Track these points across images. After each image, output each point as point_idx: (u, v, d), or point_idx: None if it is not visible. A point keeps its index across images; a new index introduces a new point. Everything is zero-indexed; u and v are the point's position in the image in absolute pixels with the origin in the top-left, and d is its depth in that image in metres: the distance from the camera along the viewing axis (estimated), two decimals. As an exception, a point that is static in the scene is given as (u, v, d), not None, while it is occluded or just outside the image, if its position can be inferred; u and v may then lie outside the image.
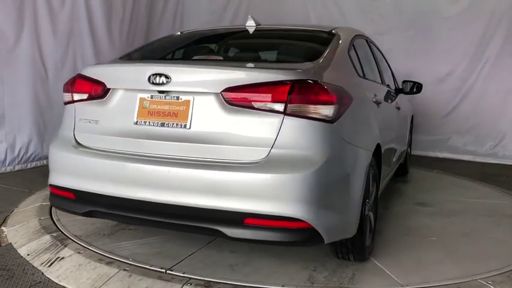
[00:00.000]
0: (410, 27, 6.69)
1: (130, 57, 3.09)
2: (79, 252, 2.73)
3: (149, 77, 2.32)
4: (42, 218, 3.30)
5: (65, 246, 2.82)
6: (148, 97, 2.39)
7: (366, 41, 3.72)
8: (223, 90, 2.21)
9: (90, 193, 2.42)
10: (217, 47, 3.38)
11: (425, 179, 5.26)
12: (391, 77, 4.41)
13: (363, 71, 3.06)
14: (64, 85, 2.72)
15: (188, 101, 2.30)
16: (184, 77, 2.33)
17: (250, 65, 2.58)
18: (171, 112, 2.33)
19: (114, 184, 2.33)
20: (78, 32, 5.44)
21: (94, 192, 2.40)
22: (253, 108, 2.18)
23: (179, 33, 3.71)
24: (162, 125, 2.34)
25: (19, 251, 2.86)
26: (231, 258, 2.70)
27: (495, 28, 6.24)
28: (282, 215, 2.09)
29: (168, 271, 2.48)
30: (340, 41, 2.85)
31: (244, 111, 2.19)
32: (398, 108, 4.00)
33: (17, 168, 4.99)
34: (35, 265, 2.67)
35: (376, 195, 2.91)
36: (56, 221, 3.25)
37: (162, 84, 2.30)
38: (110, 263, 2.60)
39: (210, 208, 2.15)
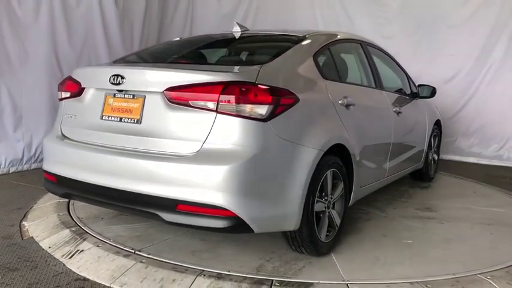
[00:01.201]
0: (416, 32, 6.80)
1: (121, 60, 3.38)
2: (98, 246, 2.88)
3: (110, 78, 2.63)
4: (60, 214, 3.46)
5: (84, 240, 2.98)
6: (112, 95, 2.71)
7: (361, 45, 3.81)
8: (165, 90, 2.46)
9: (66, 178, 2.77)
10: (193, 51, 3.55)
11: (448, 185, 5.15)
12: (406, 82, 4.44)
13: (338, 75, 3.22)
14: (58, 85, 3.10)
15: (141, 99, 2.58)
16: (136, 77, 2.62)
17: (194, 67, 2.88)
18: (127, 109, 2.63)
19: (83, 171, 2.67)
20: (92, 36, 5.61)
21: (69, 178, 2.75)
22: (190, 106, 2.40)
23: (178, 38, 4.04)
24: (121, 120, 2.64)
25: (41, 244, 3.03)
26: (198, 245, 2.96)
27: (500, 32, 6.34)
28: (209, 203, 2.30)
29: (136, 252, 2.78)
30: (306, 46, 3.06)
31: (182, 108, 2.42)
32: (399, 113, 3.91)
33: (33, 166, 5.16)
34: (56, 257, 2.83)
35: (346, 194, 3.04)
36: (73, 217, 3.41)
37: (119, 84, 2.60)
38: (127, 255, 2.75)
39: (150, 194, 2.40)
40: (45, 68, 5.14)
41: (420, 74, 6.30)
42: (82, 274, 2.62)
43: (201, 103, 2.37)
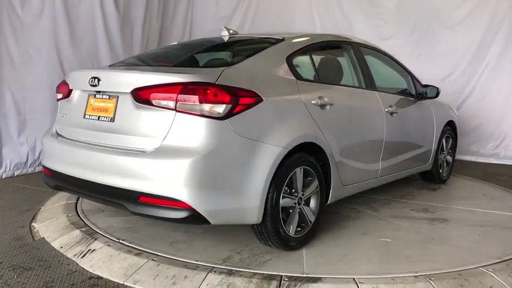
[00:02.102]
0: (413, 32, 6.90)
1: (119, 63, 3.59)
2: (109, 245, 2.95)
3: (89, 80, 2.87)
4: (69, 215, 3.53)
5: (95, 239, 3.04)
6: (93, 96, 2.93)
7: (351, 46, 3.85)
8: (132, 90, 2.66)
9: (56, 172, 3.04)
10: (178, 55, 3.68)
11: (459, 187, 5.02)
12: (410, 82, 4.43)
13: (317, 76, 3.34)
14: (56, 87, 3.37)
15: (115, 99, 2.80)
16: (109, 79, 2.86)
17: (163, 69, 3.14)
18: (104, 108, 2.85)
19: (69, 165, 2.94)
20: (95, 40, 5.68)
21: (58, 171, 3.02)
22: (153, 105, 2.59)
23: (175, 43, 4.27)
24: (99, 118, 2.87)
25: (52, 244, 3.09)
26: (178, 236, 3.14)
27: (495, 33, 6.45)
28: (165, 196, 2.48)
29: (121, 240, 3.02)
30: (280, 48, 3.18)
31: (147, 107, 2.62)
32: (393, 113, 3.88)
33: (37, 169, 5.21)
34: (68, 256, 2.90)
35: (323, 192, 3.12)
36: (82, 217, 3.48)
37: (96, 85, 2.84)
38: (138, 254, 2.82)
39: (118, 187, 2.62)
40: (48, 72, 5.19)
41: (417, 74, 6.39)
42: (95, 272, 2.69)
43: (162, 102, 2.56)
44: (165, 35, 6.89)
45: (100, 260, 2.79)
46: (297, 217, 2.95)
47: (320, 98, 3.12)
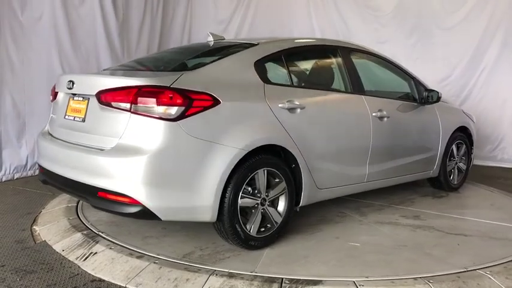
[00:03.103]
0: (410, 36, 6.95)
1: (107, 69, 3.85)
2: (110, 248, 2.97)
3: (66, 83, 3.12)
4: (70, 218, 3.55)
5: (96, 242, 3.06)
6: (72, 98, 3.15)
7: (338, 51, 3.83)
8: (97, 93, 2.84)
9: (43, 167, 3.28)
10: (160, 60, 3.79)
11: (469, 196, 4.79)
12: (413, 87, 4.35)
13: (290, 79, 3.38)
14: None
15: (86, 101, 3.00)
16: (81, 82, 3.09)
17: (124, 73, 3.37)
18: (78, 109, 3.07)
19: (51, 162, 3.16)
20: (96, 44, 5.71)
21: (45, 167, 3.24)
22: (112, 107, 2.76)
23: (171, 47, 4.58)
24: (74, 118, 3.08)
25: (54, 247, 3.11)
26: (154, 232, 3.29)
27: (492, 37, 6.51)
28: (118, 192, 2.64)
29: (99, 232, 3.23)
30: (249, 53, 3.26)
31: (107, 109, 2.79)
32: (383, 118, 3.83)
33: (37, 172, 5.19)
34: (70, 259, 2.92)
35: (293, 195, 3.17)
36: (83, 221, 3.50)
37: (71, 88, 3.08)
38: (140, 257, 2.84)
39: (82, 182, 2.81)
40: (48, 75, 5.19)
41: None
42: (97, 275, 2.71)
43: (120, 104, 2.73)
44: (165, 37, 6.92)
45: (102, 263, 2.81)
46: (259, 217, 3.00)
47: (289, 101, 3.17)
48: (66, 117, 3.16)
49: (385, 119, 3.88)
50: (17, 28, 4.95)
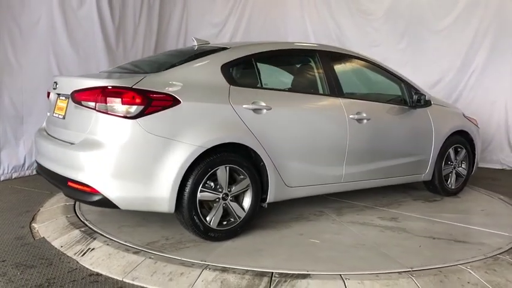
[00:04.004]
0: (401, 40, 7.12)
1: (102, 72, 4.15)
2: (107, 244, 3.08)
3: (53, 84, 3.53)
4: (68, 216, 3.65)
5: (94, 239, 3.17)
6: (59, 97, 3.48)
7: (317, 55, 3.92)
8: (71, 93, 3.16)
9: (37, 161, 3.61)
10: (142, 63, 3.97)
11: (464, 201, 4.67)
12: (404, 91, 4.36)
13: (259, 82, 3.56)
14: None
15: (67, 100, 3.31)
16: (62, 83, 3.46)
17: (99, 75, 3.69)
18: (61, 107, 3.39)
19: (41, 155, 3.51)
20: (94, 46, 5.81)
21: (37, 161, 3.59)
22: (82, 105, 3.06)
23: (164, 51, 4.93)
24: (58, 116, 3.41)
25: (53, 243, 3.22)
26: (132, 222, 3.54)
27: (480, 41, 6.67)
28: (81, 181, 2.94)
29: (83, 220, 3.55)
30: (217, 56, 3.46)
31: (79, 107, 3.11)
32: (361, 120, 3.88)
33: (34, 172, 5.32)
34: (69, 255, 3.03)
35: (257, 191, 3.33)
36: (81, 218, 3.60)
37: (55, 88, 3.48)
38: (136, 252, 2.95)
39: (57, 173, 3.17)
40: (46, 77, 5.27)
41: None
42: (95, 270, 2.82)
43: (87, 103, 3.02)
44: (161, 40, 7.02)
45: (99, 258, 2.92)
46: (220, 211, 3.19)
47: (254, 103, 3.33)
48: (54, 114, 3.49)
49: (365, 121, 3.93)
50: (16, 30, 5.06)
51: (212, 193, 3.15)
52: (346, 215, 3.97)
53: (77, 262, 2.93)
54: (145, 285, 2.64)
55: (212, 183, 3.15)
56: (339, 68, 4.04)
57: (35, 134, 3.82)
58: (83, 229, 3.36)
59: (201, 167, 3.06)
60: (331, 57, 4.02)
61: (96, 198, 2.92)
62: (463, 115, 4.98)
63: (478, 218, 4.18)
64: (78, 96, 3.09)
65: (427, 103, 4.42)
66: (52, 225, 3.51)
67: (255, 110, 3.33)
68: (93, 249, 3.04)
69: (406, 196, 4.73)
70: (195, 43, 4.00)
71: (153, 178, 2.93)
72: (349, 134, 3.83)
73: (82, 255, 2.99)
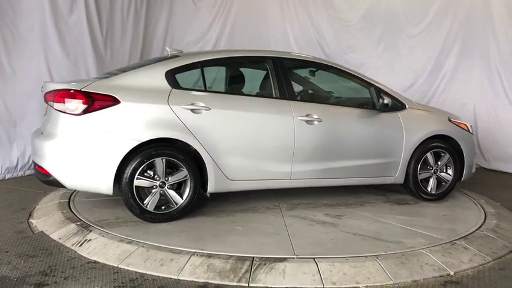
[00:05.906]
0: (378, 45, 7.51)
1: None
2: (103, 236, 3.36)
3: (41, 88, 4.06)
4: (64, 211, 3.91)
5: (90, 231, 3.44)
6: None
7: (272, 61, 4.23)
8: (44, 95, 3.82)
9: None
10: (119, 69, 4.43)
11: (439, 206, 4.50)
12: (374, 95, 4.39)
13: (204, 85, 3.99)
14: None
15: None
16: (44, 87, 3.93)
17: (64, 81, 4.25)
18: (46, 107, 3.87)
19: (34, 152, 3.97)
20: (83, 52, 6.06)
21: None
22: (48, 104, 3.74)
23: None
24: (45, 115, 3.89)
25: (51, 236, 3.48)
26: (100, 203, 4.11)
27: (450, 47, 7.09)
28: (40, 165, 3.66)
29: (74, 211, 3.97)
30: (165, 63, 3.94)
31: (48, 107, 3.76)
32: (312, 121, 4.07)
33: (27, 173, 5.55)
34: (67, 246, 3.30)
35: (196, 182, 3.74)
36: (76, 214, 3.87)
37: (42, 91, 3.95)
38: (129, 242, 3.24)
39: (34, 160, 3.86)
40: (38, 82, 5.46)
41: (382, 83, 6.98)
42: (92, 258, 3.10)
43: (50, 103, 3.68)
44: (147, 46, 7.31)
45: (96, 248, 3.20)
46: (157, 196, 3.68)
47: (193, 104, 3.76)
48: (45, 114, 3.96)
49: (316, 122, 4.10)
50: (9, 37, 5.29)
51: (149, 181, 3.65)
52: (296, 210, 4.13)
53: (75, 252, 3.20)
54: (139, 270, 2.93)
55: (152, 173, 3.66)
56: (294, 73, 4.46)
57: (32, 134, 4.12)
58: (78, 223, 3.63)
59: (137, 158, 3.58)
60: (285, 63, 4.31)
61: (49, 178, 3.62)
62: (449, 120, 4.83)
63: (428, 222, 3.99)
64: (46, 97, 3.77)
65: (396, 107, 4.46)
66: (49, 220, 3.77)
67: (193, 110, 3.75)
68: (89, 240, 3.31)
69: (378, 198, 4.69)
70: (169, 52, 4.39)
71: (94, 165, 3.54)
72: (297, 134, 4.04)
73: (79, 246, 3.26)
